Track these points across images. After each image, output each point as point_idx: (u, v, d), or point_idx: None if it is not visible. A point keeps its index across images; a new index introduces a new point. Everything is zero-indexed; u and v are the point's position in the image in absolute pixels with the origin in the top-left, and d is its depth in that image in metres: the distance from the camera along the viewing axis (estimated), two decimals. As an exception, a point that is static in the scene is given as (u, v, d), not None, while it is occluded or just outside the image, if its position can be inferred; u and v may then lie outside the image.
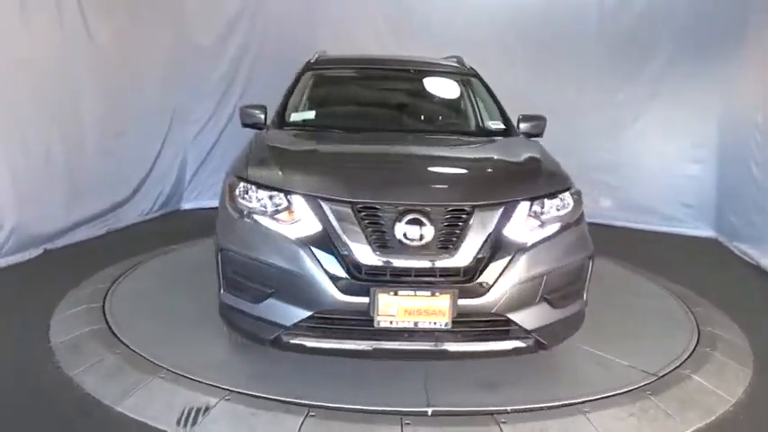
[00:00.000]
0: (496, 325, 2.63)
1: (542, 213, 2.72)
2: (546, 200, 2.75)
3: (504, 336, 2.66)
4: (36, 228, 4.71)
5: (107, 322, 3.48)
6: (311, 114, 3.94)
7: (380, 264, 2.52)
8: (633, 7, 6.56)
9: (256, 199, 2.75)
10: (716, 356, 3.33)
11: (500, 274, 2.54)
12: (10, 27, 4.43)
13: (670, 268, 4.96)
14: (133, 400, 2.74)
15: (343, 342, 2.63)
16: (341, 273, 2.51)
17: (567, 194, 2.83)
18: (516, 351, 2.66)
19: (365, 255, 2.53)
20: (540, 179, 2.86)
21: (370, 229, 2.56)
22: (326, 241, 2.55)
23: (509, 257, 2.56)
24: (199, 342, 3.25)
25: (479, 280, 2.51)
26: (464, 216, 2.58)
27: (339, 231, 2.55)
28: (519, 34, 6.75)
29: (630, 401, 2.80)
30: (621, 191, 6.91)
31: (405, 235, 2.52)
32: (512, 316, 2.57)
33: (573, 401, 2.75)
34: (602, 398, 2.81)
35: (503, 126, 3.66)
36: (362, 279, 2.51)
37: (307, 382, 2.83)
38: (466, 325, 2.59)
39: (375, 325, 2.50)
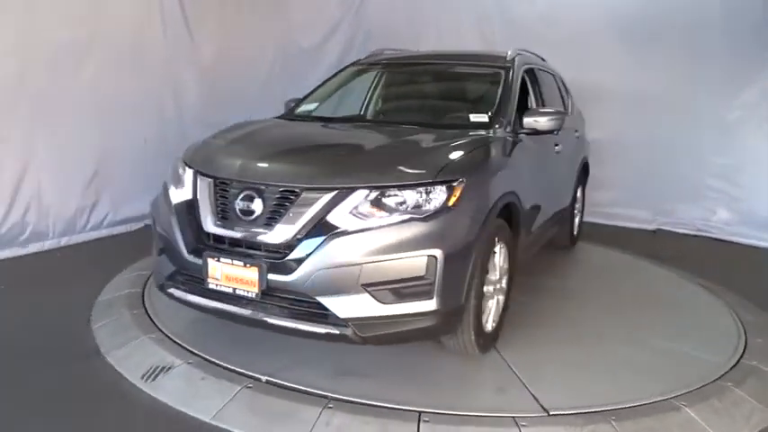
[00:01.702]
0: (312, 306, 2.59)
1: (384, 203, 2.60)
2: (395, 190, 2.62)
3: (321, 319, 2.59)
4: (137, 205, 5.40)
5: (144, 288, 3.94)
6: (313, 106, 4.14)
7: (214, 232, 2.82)
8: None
9: (175, 172, 3.15)
10: None
11: (308, 255, 2.54)
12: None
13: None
14: (122, 352, 3.13)
15: (195, 297, 2.89)
16: (191, 237, 2.86)
17: (431, 188, 2.65)
18: (329, 337, 2.60)
19: (209, 223, 2.85)
20: (397, 169, 2.73)
21: (219, 201, 2.85)
22: (189, 209, 2.93)
23: (320, 240, 2.53)
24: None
25: (289, 258, 2.59)
26: (292, 197, 2.67)
27: (199, 201, 2.90)
28: (626, 23, 6.23)
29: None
30: (743, 202, 6.06)
31: (240, 209, 2.73)
32: (322, 299, 2.55)
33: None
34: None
35: (486, 119, 3.46)
36: (202, 244, 2.83)
37: (263, 352, 3.04)
38: (279, 300, 2.66)
39: (206, 286, 2.77)
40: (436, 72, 4.28)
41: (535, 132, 3.50)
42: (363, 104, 4.47)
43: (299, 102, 4.25)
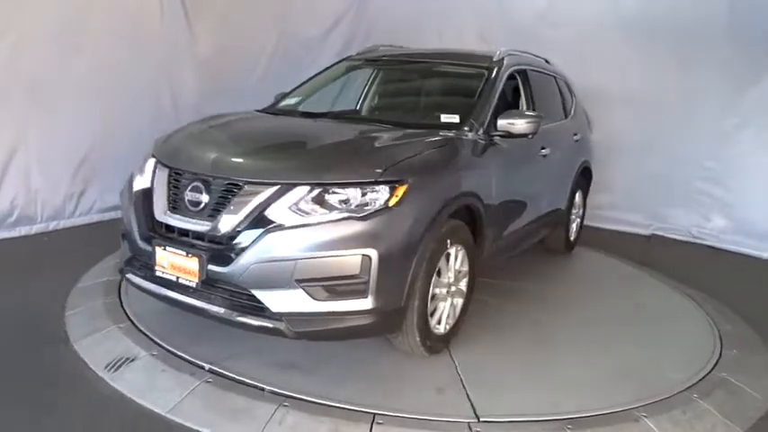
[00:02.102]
0: (248, 299, 2.62)
1: (325, 200, 2.60)
2: (337, 188, 2.62)
3: (257, 312, 2.61)
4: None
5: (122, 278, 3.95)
6: (295, 100, 4.13)
7: (164, 221, 2.88)
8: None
9: (143, 161, 3.22)
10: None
11: (245, 248, 2.58)
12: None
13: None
14: (90, 340, 3.14)
15: (147, 283, 2.94)
16: (144, 225, 2.94)
17: (373, 187, 2.64)
18: (264, 330, 2.63)
19: (159, 212, 2.91)
20: (341, 167, 2.75)
21: (172, 191, 2.91)
22: (146, 197, 3.00)
23: (258, 234, 2.56)
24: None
25: (228, 250, 2.63)
26: (235, 190, 2.70)
27: (154, 190, 2.97)
28: (627, 25, 6.13)
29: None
30: (738, 211, 5.96)
31: (189, 200, 2.79)
32: (257, 292, 2.58)
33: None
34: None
35: (456, 120, 3.42)
36: (153, 232, 2.90)
37: (229, 344, 3.05)
38: (219, 291, 2.70)
39: (155, 273, 2.83)
40: (420, 70, 4.27)
41: (509, 135, 3.45)
42: (342, 101, 4.47)
43: (285, 95, 4.24)
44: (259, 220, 2.61)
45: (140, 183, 3.10)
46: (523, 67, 4.28)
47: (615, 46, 6.21)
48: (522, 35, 6.35)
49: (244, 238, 2.61)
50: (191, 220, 2.79)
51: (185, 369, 2.86)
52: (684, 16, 5.92)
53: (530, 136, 3.49)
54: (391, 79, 4.36)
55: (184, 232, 2.82)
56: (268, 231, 2.57)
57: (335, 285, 2.56)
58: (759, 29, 5.62)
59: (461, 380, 2.91)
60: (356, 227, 2.55)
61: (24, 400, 2.65)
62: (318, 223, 2.56)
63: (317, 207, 2.60)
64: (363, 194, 2.63)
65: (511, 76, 4.11)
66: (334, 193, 2.62)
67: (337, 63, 4.56)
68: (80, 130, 5.13)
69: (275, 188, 2.64)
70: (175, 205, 2.89)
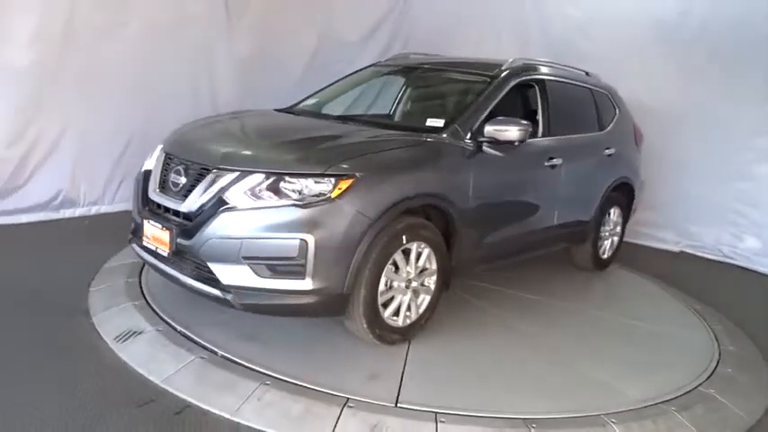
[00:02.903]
0: (206, 270, 2.92)
1: (277, 188, 2.84)
2: (289, 177, 2.85)
3: (213, 283, 2.90)
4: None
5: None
6: (314, 101, 4.41)
7: (153, 198, 3.26)
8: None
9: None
10: None
11: (204, 224, 2.89)
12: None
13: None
14: (105, 315, 3.43)
15: (141, 251, 3.32)
16: (141, 200, 3.36)
17: (319, 179, 2.86)
18: (217, 299, 2.92)
19: (152, 190, 3.30)
20: (296, 159, 3.01)
21: (162, 173, 3.30)
22: (146, 178, 3.41)
23: (215, 213, 2.87)
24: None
25: (192, 225, 2.95)
26: (206, 174, 3.01)
27: (152, 171, 3.37)
28: (665, 36, 6.07)
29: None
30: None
31: (171, 181, 3.17)
32: (212, 265, 2.87)
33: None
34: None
35: (440, 125, 3.55)
36: (146, 207, 3.30)
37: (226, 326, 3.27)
38: (186, 261, 3.02)
39: (143, 243, 3.24)
40: (430, 77, 4.41)
41: (496, 141, 3.53)
42: (357, 104, 4.68)
43: (309, 96, 4.47)
44: (219, 202, 2.90)
45: (147, 165, 3.50)
46: (541, 77, 4.33)
47: (651, 59, 6.15)
48: (560, 46, 6.39)
49: (205, 216, 2.92)
50: (170, 198, 3.15)
51: (184, 345, 3.09)
52: (723, 30, 5.81)
53: (516, 143, 3.54)
54: (403, 85, 4.53)
55: (166, 209, 3.17)
56: (223, 211, 2.86)
57: (276, 265, 2.82)
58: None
59: (404, 370, 3.04)
60: (297, 214, 2.79)
61: (38, 363, 2.95)
62: (265, 208, 2.83)
63: (270, 194, 2.86)
64: (310, 185, 2.86)
65: (526, 86, 4.18)
66: (288, 182, 2.86)
67: (364, 69, 4.76)
68: (123, 122, 5.50)
69: (236, 174, 2.92)
70: (163, 185, 3.26)
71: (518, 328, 3.73)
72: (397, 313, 3.22)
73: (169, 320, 3.33)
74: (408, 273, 3.21)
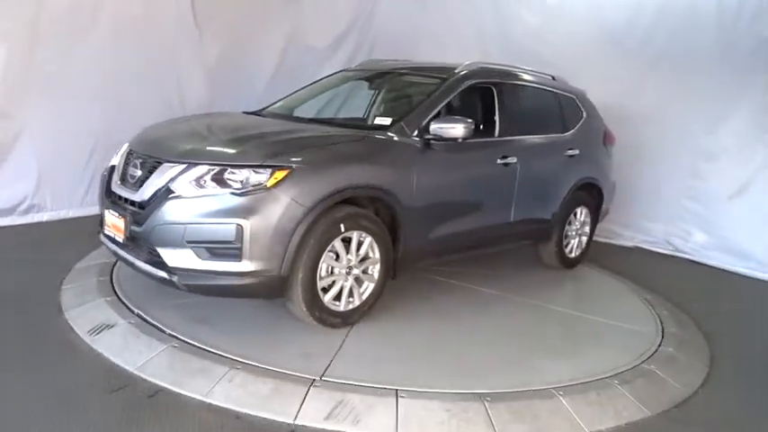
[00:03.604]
0: (155, 254, 3.15)
1: (220, 178, 3.10)
2: (231, 169, 3.12)
3: (161, 266, 3.14)
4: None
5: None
6: (280, 104, 4.66)
7: (114, 190, 3.51)
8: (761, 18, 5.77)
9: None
10: None
11: (153, 212, 3.15)
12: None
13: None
14: (77, 311, 3.54)
15: (105, 239, 3.57)
16: (105, 193, 3.60)
17: (256, 170, 3.10)
18: (163, 281, 3.17)
19: (114, 183, 3.56)
20: (237, 152, 3.24)
21: (124, 167, 3.55)
22: (111, 172, 3.66)
23: (162, 201, 3.13)
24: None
25: (143, 213, 3.20)
26: (157, 166, 3.27)
27: (117, 165, 3.63)
28: (618, 41, 6.41)
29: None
30: (719, 228, 6.13)
31: (130, 174, 3.44)
32: (159, 249, 3.12)
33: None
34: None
35: (387, 123, 3.81)
36: (108, 198, 3.54)
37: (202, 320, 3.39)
38: (139, 246, 3.27)
39: (104, 231, 3.53)
40: (389, 81, 4.70)
41: (441, 138, 3.75)
42: (323, 107, 4.94)
43: (278, 100, 4.65)
44: (167, 191, 3.14)
45: (113, 161, 3.74)
46: (498, 80, 4.54)
47: (604, 62, 6.46)
48: (519, 51, 6.64)
49: (155, 205, 3.16)
50: (128, 189, 3.39)
51: (156, 335, 3.23)
52: (672, 33, 6.14)
53: (459, 140, 3.76)
54: (367, 89, 4.78)
55: (125, 199, 3.39)
56: (170, 199, 3.11)
57: (215, 248, 3.05)
58: (745, 47, 5.79)
59: (339, 349, 3.24)
60: (234, 201, 3.04)
61: (14, 356, 3.05)
62: (207, 196, 3.08)
63: (214, 184, 3.10)
64: (248, 175, 3.10)
65: (484, 88, 4.41)
66: (231, 173, 3.11)
67: (333, 74, 4.97)
68: (90, 124, 5.54)
69: (183, 166, 3.17)
70: (123, 178, 3.50)
71: (465, 317, 3.90)
72: (338, 298, 3.42)
73: (141, 313, 3.45)
74: (349, 260, 3.41)
